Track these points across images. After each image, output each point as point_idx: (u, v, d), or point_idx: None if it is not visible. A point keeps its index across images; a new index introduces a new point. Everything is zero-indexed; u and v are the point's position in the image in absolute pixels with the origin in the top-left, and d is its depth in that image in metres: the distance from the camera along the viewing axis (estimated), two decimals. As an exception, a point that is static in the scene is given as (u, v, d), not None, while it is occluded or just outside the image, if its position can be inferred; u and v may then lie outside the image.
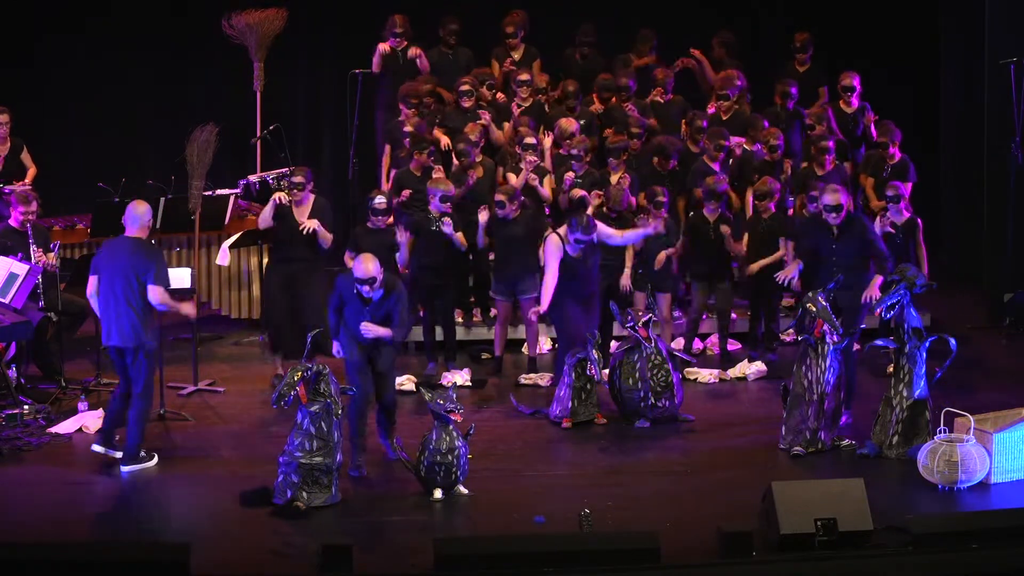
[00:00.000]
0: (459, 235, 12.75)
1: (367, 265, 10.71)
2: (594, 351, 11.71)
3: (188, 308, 11.14)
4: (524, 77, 14.58)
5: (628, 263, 13.00)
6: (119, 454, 10.86)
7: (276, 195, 12.55)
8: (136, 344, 10.71)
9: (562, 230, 12.06)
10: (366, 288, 10.71)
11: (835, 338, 10.96)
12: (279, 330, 12.65)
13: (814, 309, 10.98)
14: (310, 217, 12.51)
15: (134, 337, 10.70)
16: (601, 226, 12.16)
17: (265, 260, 13.80)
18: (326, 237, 12.54)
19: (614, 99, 14.65)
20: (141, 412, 10.82)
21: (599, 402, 11.90)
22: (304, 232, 12.44)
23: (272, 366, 12.94)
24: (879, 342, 11.22)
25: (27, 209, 12.49)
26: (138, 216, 10.86)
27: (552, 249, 12.03)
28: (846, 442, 11.17)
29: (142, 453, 10.86)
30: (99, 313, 10.88)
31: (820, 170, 13.68)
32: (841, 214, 11.64)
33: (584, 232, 11.91)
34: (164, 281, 10.75)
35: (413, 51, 14.79)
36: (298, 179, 12.57)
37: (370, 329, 10.73)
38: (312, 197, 12.62)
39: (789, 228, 13.19)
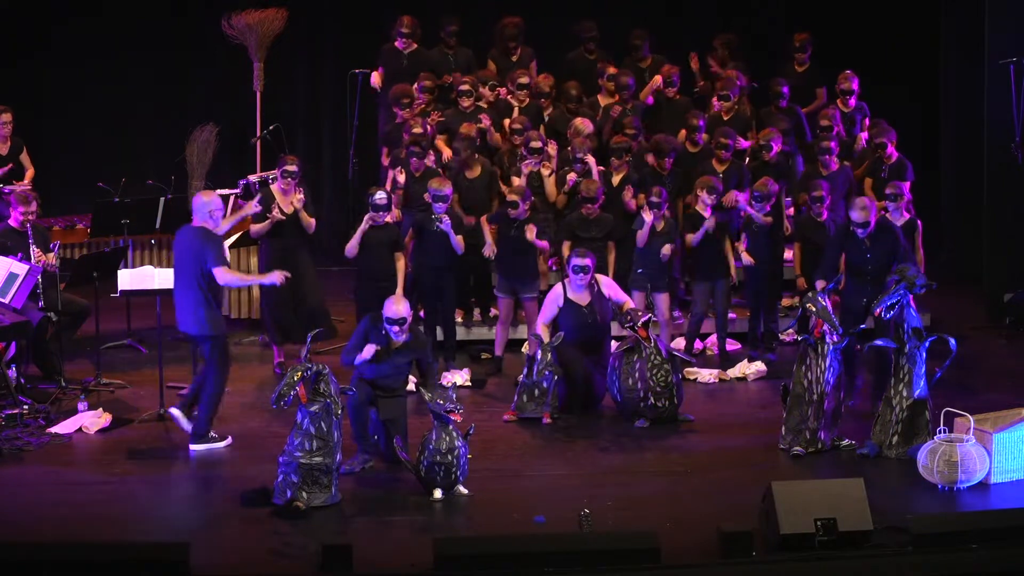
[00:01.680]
0: (459, 237, 12.74)
1: (398, 306, 10.78)
2: (539, 352, 11.79)
3: (274, 277, 11.38)
4: (523, 80, 14.56)
5: (610, 265, 13.04)
6: (188, 426, 11.12)
7: (274, 212, 12.65)
8: (200, 333, 11.10)
9: (567, 280, 12.12)
10: (395, 329, 10.74)
11: (835, 338, 10.96)
12: (285, 319, 12.74)
13: (814, 309, 10.98)
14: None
15: (197, 326, 11.09)
16: (610, 283, 12.24)
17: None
18: (309, 222, 12.77)
19: (617, 97, 14.64)
20: (213, 395, 11.16)
21: (552, 402, 11.89)
22: (289, 211, 12.66)
23: (271, 363, 13.03)
24: (879, 342, 11.20)
25: (27, 209, 12.49)
26: (200, 206, 11.12)
27: (551, 299, 12.12)
28: (846, 442, 11.17)
29: (212, 434, 11.16)
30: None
31: (824, 170, 13.69)
32: (870, 228, 11.69)
33: (579, 256, 11.94)
34: (223, 260, 11.07)
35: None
36: (293, 168, 12.77)
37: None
38: (295, 187, 12.87)
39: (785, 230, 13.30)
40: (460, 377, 12.78)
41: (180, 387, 12.47)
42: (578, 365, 11.97)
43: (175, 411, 11.29)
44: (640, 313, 11.83)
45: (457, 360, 13.13)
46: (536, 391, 11.88)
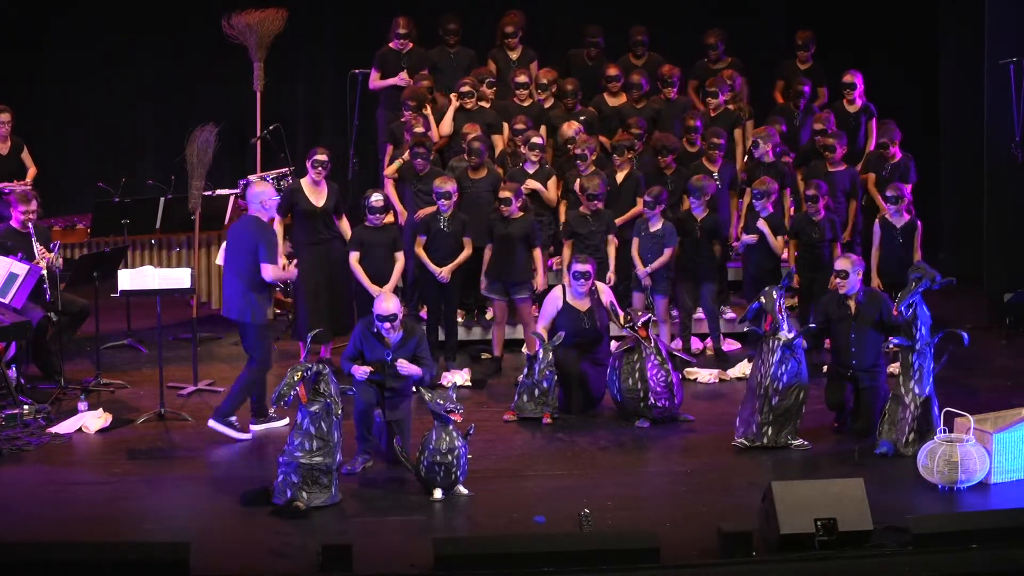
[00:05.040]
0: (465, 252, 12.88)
1: (387, 303, 10.74)
2: (540, 351, 11.79)
3: (290, 271, 11.61)
4: (522, 79, 14.54)
5: (611, 266, 13.02)
6: (281, 423, 11.17)
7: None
8: (239, 319, 11.29)
9: (566, 280, 12.12)
10: (386, 326, 10.71)
11: (790, 334, 10.99)
12: (312, 314, 12.68)
13: (764, 302, 11.04)
14: (329, 199, 12.87)
15: (238, 312, 11.25)
16: (609, 292, 12.25)
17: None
18: (346, 231, 12.92)
19: (624, 96, 14.63)
20: (247, 379, 11.32)
21: (552, 402, 11.89)
22: (320, 204, 12.77)
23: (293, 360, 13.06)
24: (896, 340, 11.12)
25: (27, 208, 12.49)
26: (252, 196, 11.38)
27: (550, 301, 12.12)
28: (799, 442, 11.13)
29: (233, 419, 11.28)
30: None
31: (830, 167, 13.69)
32: (852, 281, 11.43)
33: (580, 262, 11.96)
34: (273, 258, 11.17)
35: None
36: (323, 157, 12.85)
37: (404, 365, 10.70)
38: (326, 181, 12.92)
39: (783, 227, 13.27)
40: (460, 377, 12.78)
41: (180, 387, 12.49)
42: (574, 366, 11.96)
43: (253, 426, 11.53)
44: (640, 313, 11.84)
45: (457, 360, 13.13)
46: (536, 391, 11.87)
